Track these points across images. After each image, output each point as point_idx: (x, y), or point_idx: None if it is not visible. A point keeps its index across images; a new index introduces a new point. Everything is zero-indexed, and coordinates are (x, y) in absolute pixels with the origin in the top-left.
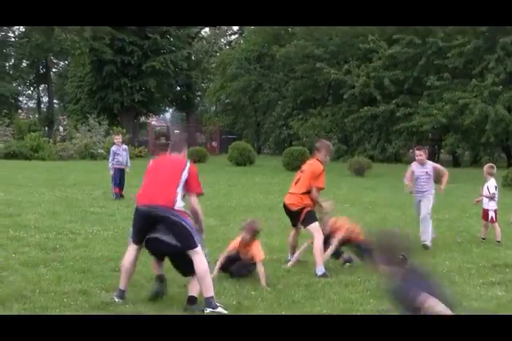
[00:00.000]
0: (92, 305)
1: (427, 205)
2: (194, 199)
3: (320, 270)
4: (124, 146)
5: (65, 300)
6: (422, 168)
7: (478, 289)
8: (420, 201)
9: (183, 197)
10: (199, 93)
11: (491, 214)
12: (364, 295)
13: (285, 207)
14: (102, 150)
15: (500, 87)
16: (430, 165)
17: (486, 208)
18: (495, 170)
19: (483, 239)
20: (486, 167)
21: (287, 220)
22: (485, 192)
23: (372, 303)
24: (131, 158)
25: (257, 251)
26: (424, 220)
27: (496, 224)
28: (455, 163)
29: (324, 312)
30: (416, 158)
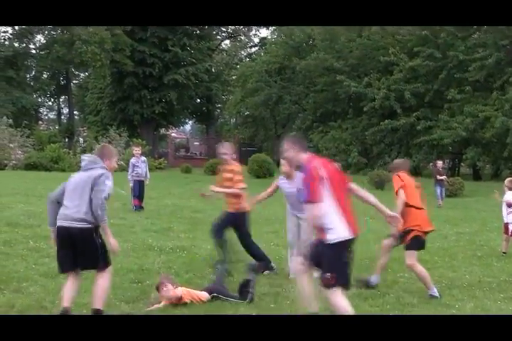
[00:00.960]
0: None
1: None
2: None
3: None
4: (143, 158)
5: (84, 311)
6: None
7: (499, 303)
8: None
9: None
10: (219, 105)
11: (511, 227)
12: (384, 309)
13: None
14: (122, 162)
15: None
16: None
17: (506, 222)
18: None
19: (504, 253)
20: (506, 181)
21: None
22: (503, 205)
23: None
24: (150, 169)
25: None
26: None
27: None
28: (476, 176)
29: None
30: None
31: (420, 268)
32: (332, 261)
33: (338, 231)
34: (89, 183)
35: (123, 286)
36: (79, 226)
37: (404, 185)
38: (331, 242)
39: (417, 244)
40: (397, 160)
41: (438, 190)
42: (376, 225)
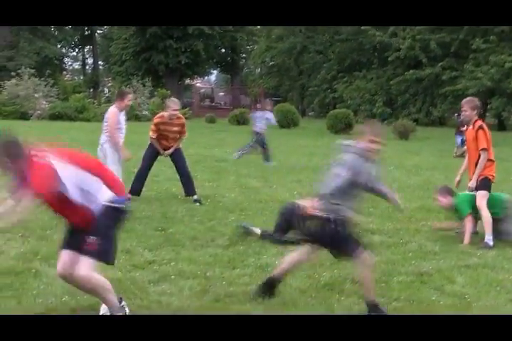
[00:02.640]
0: (135, 264)
1: None
2: None
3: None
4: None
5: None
6: None
7: None
8: None
9: None
10: (244, 55)
11: None
12: (406, 257)
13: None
14: (147, 112)
15: None
16: None
17: None
18: None
19: None
20: None
21: None
22: None
23: (413, 264)
24: None
25: None
26: None
27: None
28: (500, 126)
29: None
30: None
31: (487, 213)
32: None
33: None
34: None
35: (146, 234)
36: None
37: (489, 141)
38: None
39: (489, 186)
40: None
41: (459, 140)
42: (399, 174)
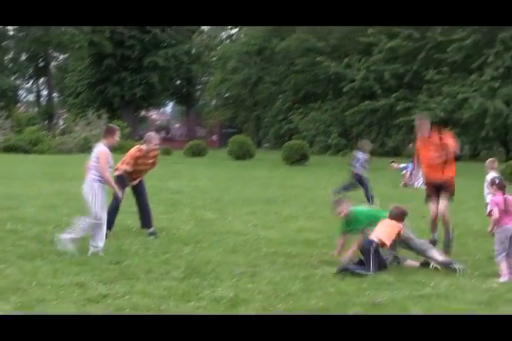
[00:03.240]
0: (89, 298)
1: None
2: None
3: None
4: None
5: (61, 292)
6: None
7: (474, 281)
8: None
9: None
10: (199, 87)
11: (489, 207)
12: (360, 288)
13: None
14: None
15: (499, 81)
16: None
17: (486, 202)
18: (496, 165)
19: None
20: (488, 161)
21: (285, 213)
22: (485, 186)
23: (368, 295)
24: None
25: None
26: None
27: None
28: (454, 156)
29: (320, 304)
30: None
31: None
32: None
33: None
34: None
35: (101, 267)
36: None
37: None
38: None
39: None
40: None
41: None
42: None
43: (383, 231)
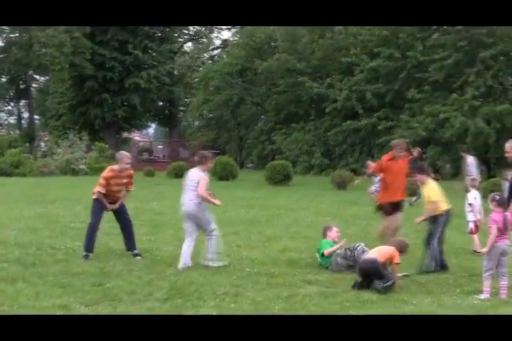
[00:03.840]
0: None
1: None
2: None
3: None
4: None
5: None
6: None
7: (455, 298)
8: None
9: None
10: (182, 108)
11: (470, 225)
12: (343, 306)
13: None
14: (84, 166)
15: (480, 100)
16: None
17: (467, 220)
18: (477, 183)
19: (474, 251)
20: (469, 180)
21: (268, 233)
22: (466, 204)
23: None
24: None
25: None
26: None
27: (475, 236)
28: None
29: None
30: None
31: None
32: None
33: None
34: None
35: (84, 289)
36: None
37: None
38: None
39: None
40: None
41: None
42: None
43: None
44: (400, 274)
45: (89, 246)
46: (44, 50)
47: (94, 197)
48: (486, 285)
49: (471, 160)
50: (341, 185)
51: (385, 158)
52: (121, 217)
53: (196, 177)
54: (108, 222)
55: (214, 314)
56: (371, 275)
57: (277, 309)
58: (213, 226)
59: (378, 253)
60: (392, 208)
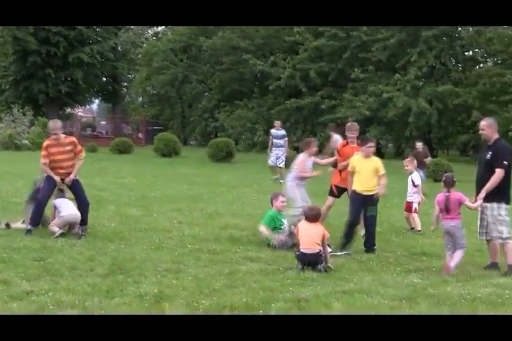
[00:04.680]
0: (12, 295)
1: None
2: None
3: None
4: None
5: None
6: None
7: (395, 277)
8: None
9: None
10: (125, 84)
11: (415, 205)
12: (284, 284)
13: None
14: (27, 141)
15: (423, 80)
16: None
17: (409, 201)
18: (415, 162)
19: (412, 228)
20: (407, 160)
21: (210, 210)
22: (409, 184)
23: (291, 291)
24: None
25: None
26: None
27: (416, 215)
28: (378, 154)
29: (244, 300)
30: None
31: None
32: None
33: None
34: None
35: (25, 264)
36: None
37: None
38: None
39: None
40: None
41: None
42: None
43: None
44: (342, 253)
45: (33, 221)
46: None
47: (44, 174)
48: (447, 259)
49: (337, 139)
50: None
51: (340, 144)
52: (78, 195)
53: (296, 161)
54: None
55: (209, 314)
56: (316, 264)
57: (218, 285)
58: (299, 204)
59: (313, 240)
60: (338, 192)
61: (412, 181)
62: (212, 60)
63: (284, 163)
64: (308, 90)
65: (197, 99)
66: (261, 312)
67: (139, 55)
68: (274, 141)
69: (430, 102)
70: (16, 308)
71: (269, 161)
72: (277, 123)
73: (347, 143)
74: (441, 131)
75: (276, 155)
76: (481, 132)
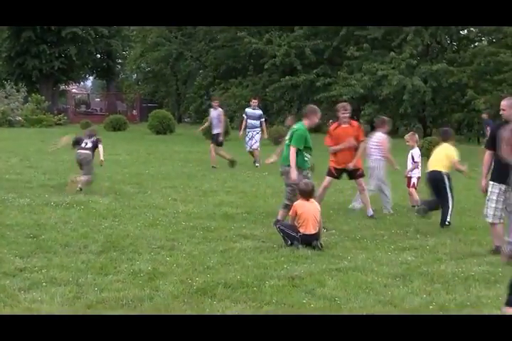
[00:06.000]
0: (5, 271)
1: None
2: None
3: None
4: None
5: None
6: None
7: (390, 255)
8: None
9: None
10: (120, 61)
11: (413, 180)
12: (278, 261)
13: None
14: (20, 118)
15: (418, 59)
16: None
17: (409, 176)
18: (416, 137)
19: (413, 206)
20: (406, 136)
21: (205, 188)
22: (409, 160)
23: (286, 268)
24: (50, 126)
25: None
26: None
27: (414, 190)
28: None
29: (238, 277)
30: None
31: None
32: None
33: None
34: None
35: (18, 241)
36: None
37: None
38: None
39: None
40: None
41: None
42: (273, 180)
43: None
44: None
45: None
46: None
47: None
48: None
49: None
50: (278, 141)
51: (332, 127)
52: None
53: (377, 140)
54: (43, 173)
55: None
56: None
57: (212, 263)
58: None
59: (316, 220)
60: (338, 174)
61: (412, 157)
62: (207, 37)
63: (257, 144)
64: (303, 68)
65: (191, 77)
66: (255, 289)
67: (134, 32)
68: (249, 121)
69: (425, 81)
70: (9, 285)
71: (246, 146)
72: (254, 101)
73: (339, 125)
74: (436, 110)
75: (250, 136)
76: (501, 112)
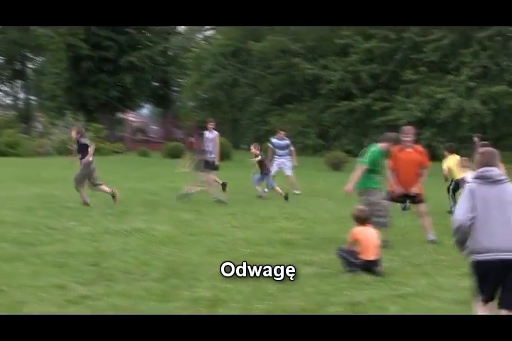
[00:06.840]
0: (69, 299)
1: None
2: None
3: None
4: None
5: (41, 294)
6: None
7: (451, 280)
8: None
9: None
10: (176, 89)
11: None
12: (339, 287)
13: None
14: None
15: (476, 81)
16: None
17: None
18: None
19: None
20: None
21: (263, 214)
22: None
23: (346, 295)
24: (108, 154)
25: None
26: None
27: None
28: (431, 156)
29: (299, 304)
30: None
31: None
32: None
33: None
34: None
35: (80, 269)
36: None
37: None
38: None
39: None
40: None
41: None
42: (331, 206)
43: None
44: None
45: None
46: (40, 31)
47: None
48: None
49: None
50: (336, 166)
51: (395, 149)
52: None
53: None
54: (103, 202)
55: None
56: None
57: (273, 290)
58: None
59: (376, 245)
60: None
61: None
62: (261, 64)
63: (290, 171)
64: (359, 92)
65: (247, 103)
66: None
67: (189, 60)
68: (276, 150)
69: (484, 103)
70: (72, 312)
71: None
72: (281, 133)
73: (402, 149)
74: (496, 132)
75: (281, 164)
76: None
